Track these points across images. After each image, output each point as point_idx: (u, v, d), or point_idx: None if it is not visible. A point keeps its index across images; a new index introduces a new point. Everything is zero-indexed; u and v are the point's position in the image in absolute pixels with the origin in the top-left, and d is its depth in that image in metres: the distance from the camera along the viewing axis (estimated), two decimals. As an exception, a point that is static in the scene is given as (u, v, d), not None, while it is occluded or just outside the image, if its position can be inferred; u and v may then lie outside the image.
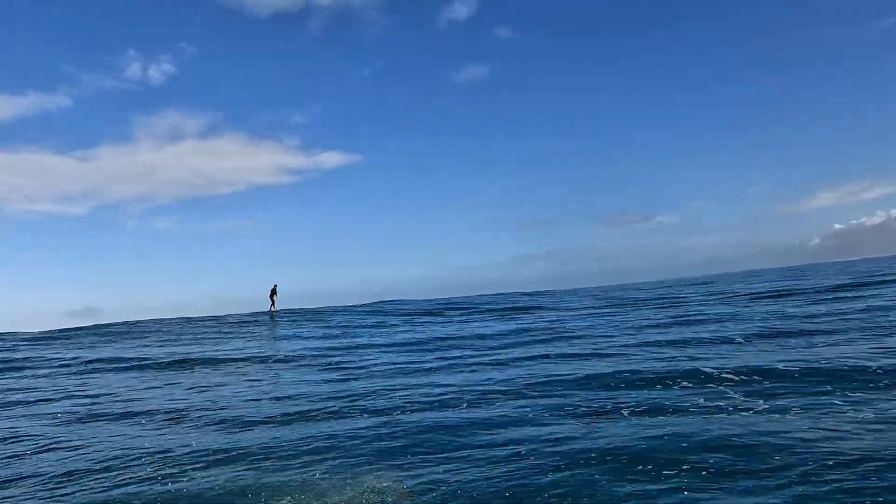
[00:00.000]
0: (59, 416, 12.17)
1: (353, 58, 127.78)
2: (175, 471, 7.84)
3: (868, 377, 9.90)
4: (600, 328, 21.05)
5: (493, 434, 8.49)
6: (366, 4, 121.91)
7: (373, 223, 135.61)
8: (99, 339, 27.78)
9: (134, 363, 19.40)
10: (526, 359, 15.10)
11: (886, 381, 9.56)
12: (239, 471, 7.64)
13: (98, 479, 7.79)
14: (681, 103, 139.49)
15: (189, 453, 8.57)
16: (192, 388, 14.45)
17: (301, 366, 17.03)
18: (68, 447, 9.49)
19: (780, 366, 11.14)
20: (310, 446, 8.50)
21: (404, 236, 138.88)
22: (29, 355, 23.04)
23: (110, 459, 8.57)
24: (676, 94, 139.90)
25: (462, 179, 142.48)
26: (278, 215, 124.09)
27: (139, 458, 8.52)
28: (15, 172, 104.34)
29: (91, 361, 20.27)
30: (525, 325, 23.76)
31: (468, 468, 7.16)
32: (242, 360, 18.79)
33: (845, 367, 10.63)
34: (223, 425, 10.35)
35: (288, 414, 10.75)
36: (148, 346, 24.50)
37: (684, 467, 6.59)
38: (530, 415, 9.40)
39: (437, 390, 11.83)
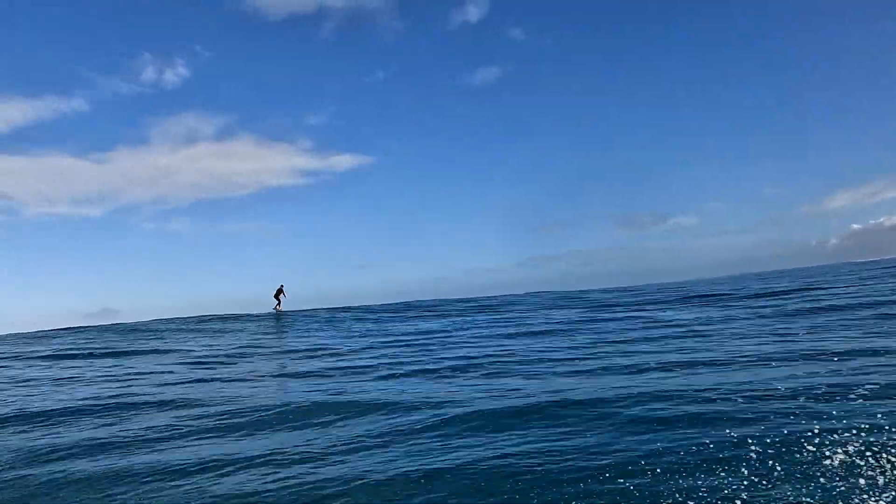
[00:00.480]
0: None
1: (366, 60, 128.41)
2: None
3: None
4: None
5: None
6: (378, 7, 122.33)
7: (386, 225, 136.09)
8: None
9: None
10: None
11: None
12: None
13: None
14: (696, 104, 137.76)
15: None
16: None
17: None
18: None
19: None
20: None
21: (418, 238, 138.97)
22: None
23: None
24: (692, 94, 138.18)
25: (475, 181, 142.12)
26: (292, 217, 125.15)
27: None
28: (33, 175, 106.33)
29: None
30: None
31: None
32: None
33: None
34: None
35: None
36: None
37: None
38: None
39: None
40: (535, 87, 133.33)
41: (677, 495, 5.97)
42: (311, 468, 7.52)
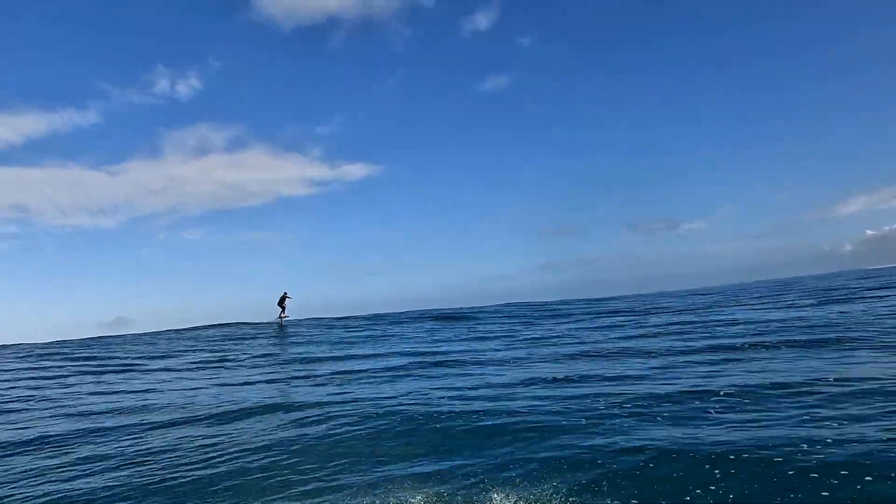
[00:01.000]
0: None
1: (376, 69, 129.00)
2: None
3: None
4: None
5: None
6: (388, 16, 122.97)
7: (397, 233, 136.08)
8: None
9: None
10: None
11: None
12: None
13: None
14: (708, 110, 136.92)
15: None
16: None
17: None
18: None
19: None
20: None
21: (429, 246, 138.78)
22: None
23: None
24: (703, 100, 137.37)
25: (486, 188, 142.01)
26: (304, 226, 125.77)
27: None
28: (49, 187, 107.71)
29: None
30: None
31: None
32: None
33: None
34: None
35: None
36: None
37: None
38: None
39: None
40: (544, 95, 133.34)
41: None
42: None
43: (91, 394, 16.05)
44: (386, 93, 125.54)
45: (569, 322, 28.30)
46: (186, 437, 10.21)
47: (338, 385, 14.56)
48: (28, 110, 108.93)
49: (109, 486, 7.90)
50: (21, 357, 27.05)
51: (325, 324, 35.47)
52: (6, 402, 15.32)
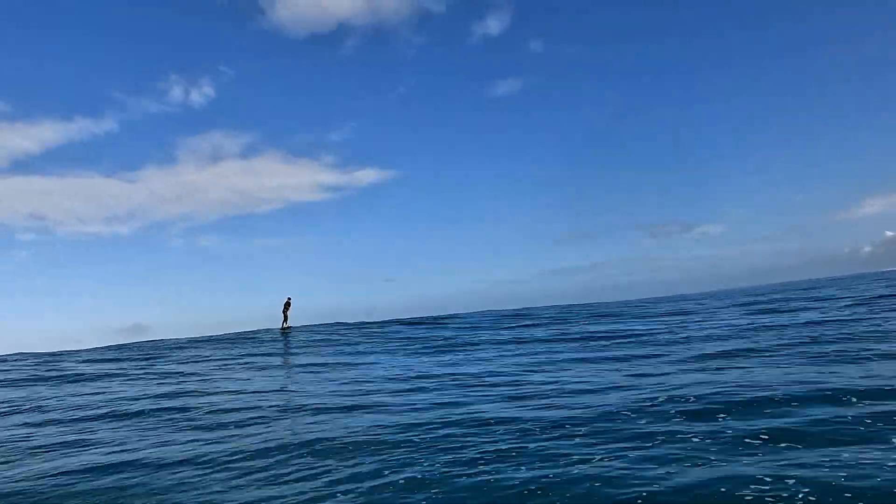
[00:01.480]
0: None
1: (388, 75, 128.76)
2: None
3: None
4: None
5: None
6: (399, 23, 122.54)
7: (410, 238, 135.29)
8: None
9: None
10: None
11: None
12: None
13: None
14: (721, 112, 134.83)
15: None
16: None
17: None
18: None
19: None
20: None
21: (442, 251, 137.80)
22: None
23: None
24: (716, 102, 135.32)
25: (499, 193, 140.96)
26: (317, 232, 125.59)
27: None
28: (67, 195, 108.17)
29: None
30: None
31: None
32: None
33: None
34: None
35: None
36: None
37: None
38: None
39: None
40: (556, 99, 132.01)
41: None
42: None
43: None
44: (398, 98, 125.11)
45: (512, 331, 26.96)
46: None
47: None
48: (46, 120, 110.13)
49: None
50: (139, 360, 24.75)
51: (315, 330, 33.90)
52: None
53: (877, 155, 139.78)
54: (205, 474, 7.73)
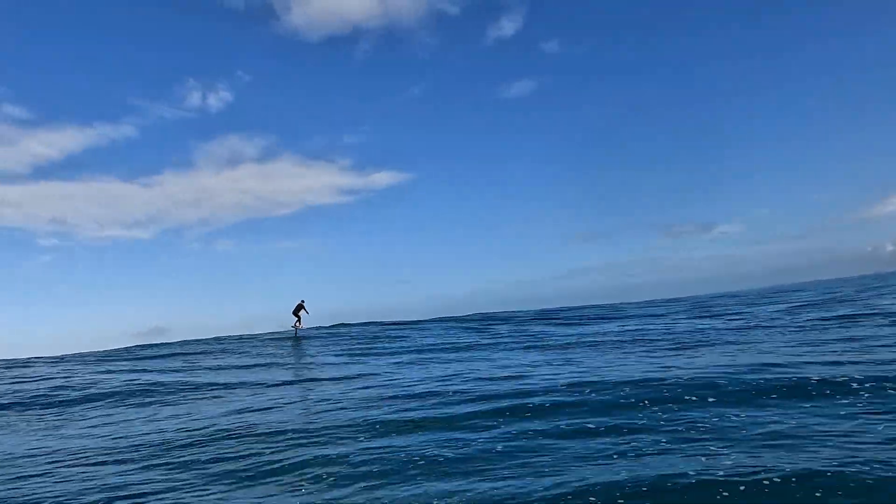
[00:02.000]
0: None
1: (403, 78, 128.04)
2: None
3: None
4: None
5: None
6: (413, 25, 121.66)
7: (426, 240, 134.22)
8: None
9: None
10: None
11: None
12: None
13: None
14: (740, 109, 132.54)
15: None
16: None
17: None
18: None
19: None
20: None
21: (459, 252, 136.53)
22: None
23: None
24: (734, 100, 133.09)
25: (514, 194, 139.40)
26: (334, 234, 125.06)
27: None
28: (86, 200, 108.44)
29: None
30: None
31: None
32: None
33: None
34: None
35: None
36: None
37: None
38: None
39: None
40: (571, 99, 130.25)
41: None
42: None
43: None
44: (412, 101, 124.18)
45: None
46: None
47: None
48: (66, 126, 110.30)
49: None
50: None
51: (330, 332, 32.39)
52: None
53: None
54: None
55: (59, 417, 13.63)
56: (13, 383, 19.18)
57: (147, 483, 7.66)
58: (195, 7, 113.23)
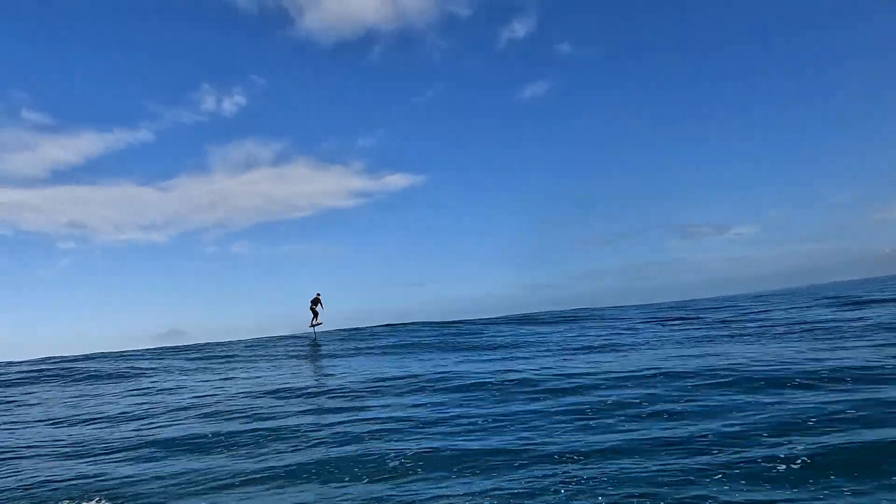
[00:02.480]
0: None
1: (416, 81, 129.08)
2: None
3: None
4: None
5: None
6: (426, 28, 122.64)
7: (440, 242, 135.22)
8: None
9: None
10: None
11: None
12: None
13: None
14: (754, 110, 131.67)
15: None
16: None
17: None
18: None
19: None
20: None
21: (472, 254, 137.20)
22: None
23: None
24: (749, 102, 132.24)
25: (528, 196, 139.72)
26: (348, 237, 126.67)
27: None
28: (104, 204, 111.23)
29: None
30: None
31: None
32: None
33: None
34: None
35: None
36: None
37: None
38: None
39: None
40: (585, 100, 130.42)
41: None
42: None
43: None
44: (426, 103, 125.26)
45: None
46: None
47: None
48: (84, 131, 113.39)
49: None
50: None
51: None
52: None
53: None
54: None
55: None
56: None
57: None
58: (209, 13, 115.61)
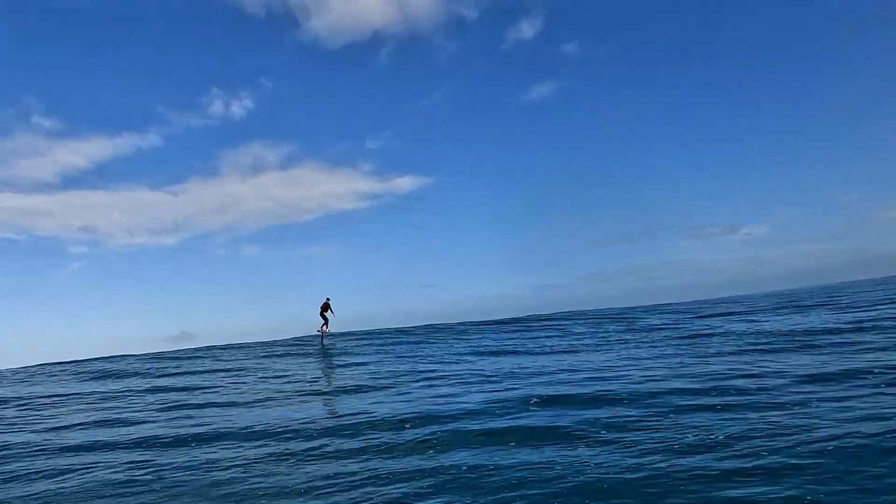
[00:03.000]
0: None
1: (423, 82, 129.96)
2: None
3: None
4: None
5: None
6: (433, 30, 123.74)
7: (449, 244, 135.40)
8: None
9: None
10: None
11: None
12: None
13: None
14: (764, 108, 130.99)
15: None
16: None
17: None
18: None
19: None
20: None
21: (481, 256, 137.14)
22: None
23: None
24: (759, 101, 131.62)
25: (537, 198, 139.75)
26: (357, 239, 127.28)
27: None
28: (115, 208, 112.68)
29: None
30: None
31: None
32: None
33: None
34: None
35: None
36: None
37: None
38: None
39: None
40: (592, 101, 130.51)
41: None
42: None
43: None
44: (433, 105, 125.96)
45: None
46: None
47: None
48: (95, 136, 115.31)
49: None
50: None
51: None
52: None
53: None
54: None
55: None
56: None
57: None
58: (217, 17, 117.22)
